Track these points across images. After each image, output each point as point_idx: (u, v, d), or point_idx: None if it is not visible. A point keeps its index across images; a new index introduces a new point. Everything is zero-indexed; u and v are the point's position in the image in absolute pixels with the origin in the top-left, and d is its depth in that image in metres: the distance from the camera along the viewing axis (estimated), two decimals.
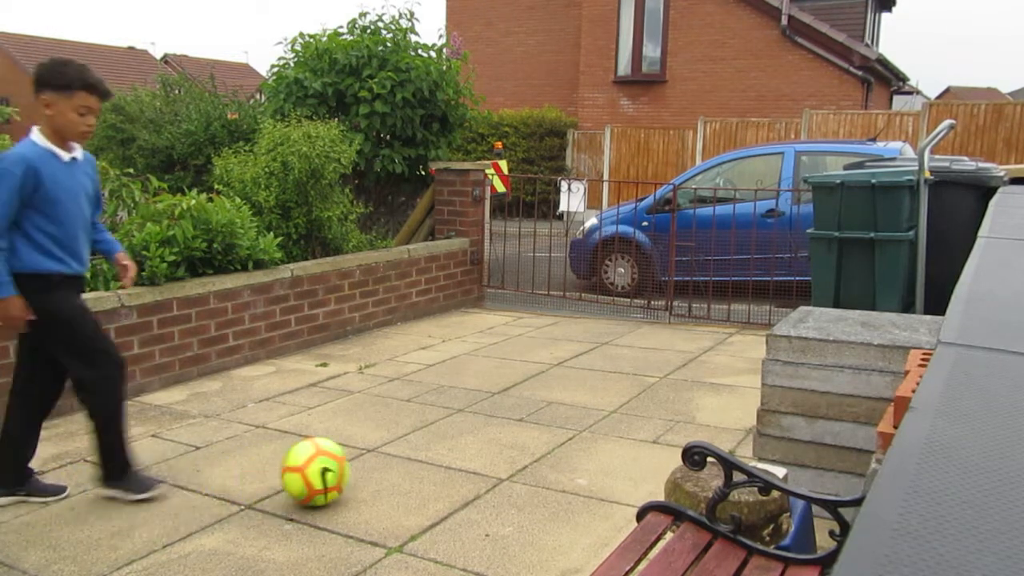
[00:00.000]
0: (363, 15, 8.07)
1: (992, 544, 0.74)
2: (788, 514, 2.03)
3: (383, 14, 8.08)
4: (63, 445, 3.81)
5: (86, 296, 3.81)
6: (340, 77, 7.58)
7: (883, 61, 16.43)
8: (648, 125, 15.98)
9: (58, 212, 3.01)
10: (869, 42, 17.02)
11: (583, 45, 17.25)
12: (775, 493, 1.91)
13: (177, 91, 10.78)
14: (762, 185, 7.56)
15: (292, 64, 7.92)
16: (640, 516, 1.92)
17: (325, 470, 3.09)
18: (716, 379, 5.02)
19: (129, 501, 3.20)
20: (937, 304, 4.25)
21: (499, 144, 9.72)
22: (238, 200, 5.48)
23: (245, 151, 6.70)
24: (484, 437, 3.97)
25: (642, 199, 8.30)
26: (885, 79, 17.86)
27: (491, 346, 5.93)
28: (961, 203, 4.66)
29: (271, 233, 5.71)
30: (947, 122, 4.67)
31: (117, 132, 9.64)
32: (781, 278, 6.91)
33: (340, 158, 6.40)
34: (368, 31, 7.99)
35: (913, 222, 4.60)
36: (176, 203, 4.99)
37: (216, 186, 6.37)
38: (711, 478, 2.03)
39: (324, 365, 5.35)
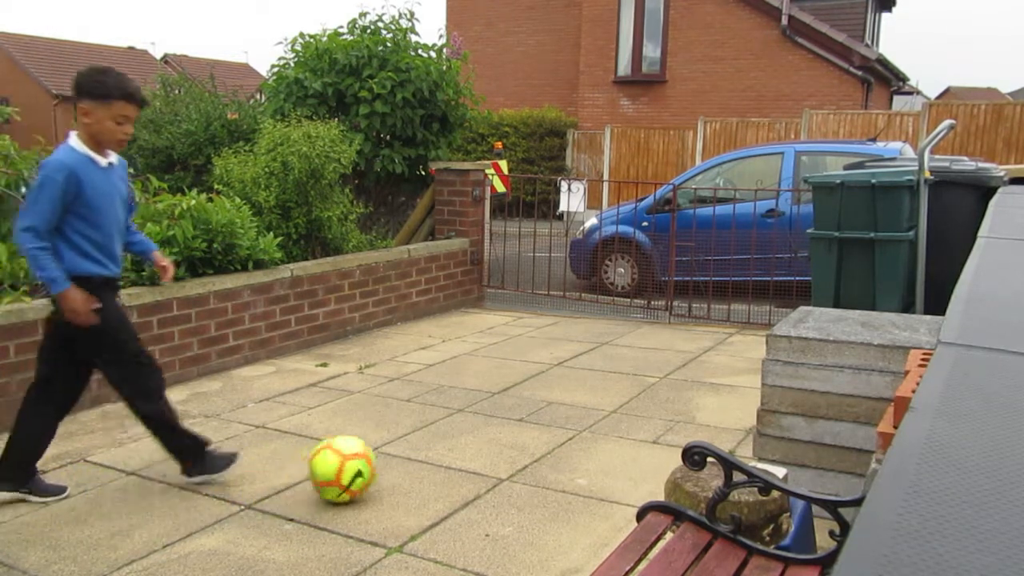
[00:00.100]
0: (363, 15, 8.08)
1: (992, 544, 0.74)
2: (788, 514, 2.03)
3: (383, 14, 8.09)
4: (63, 445, 3.80)
5: None
6: (340, 77, 7.58)
7: (883, 61, 16.44)
8: (648, 125, 15.98)
9: (97, 217, 3.05)
10: (869, 42, 17.02)
11: (583, 45, 17.26)
12: (775, 493, 1.91)
13: (177, 91, 10.75)
14: (762, 185, 7.56)
15: (292, 64, 7.92)
16: (640, 516, 1.92)
17: (359, 473, 3.12)
18: (716, 379, 5.02)
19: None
20: (937, 304, 4.26)
21: (499, 144, 9.72)
22: (238, 200, 5.49)
23: (245, 151, 6.70)
24: (484, 437, 3.98)
25: (642, 199, 8.30)
26: (885, 79, 17.87)
27: (491, 346, 5.93)
28: (961, 203, 4.66)
29: (271, 233, 5.71)
30: (947, 122, 4.67)
31: None
32: (781, 278, 6.91)
33: (340, 158, 6.40)
34: (368, 31, 7.99)
35: (913, 222, 4.60)
36: (176, 203, 5.00)
37: (216, 186, 6.37)
38: (711, 478, 2.03)
39: (324, 365, 5.35)
